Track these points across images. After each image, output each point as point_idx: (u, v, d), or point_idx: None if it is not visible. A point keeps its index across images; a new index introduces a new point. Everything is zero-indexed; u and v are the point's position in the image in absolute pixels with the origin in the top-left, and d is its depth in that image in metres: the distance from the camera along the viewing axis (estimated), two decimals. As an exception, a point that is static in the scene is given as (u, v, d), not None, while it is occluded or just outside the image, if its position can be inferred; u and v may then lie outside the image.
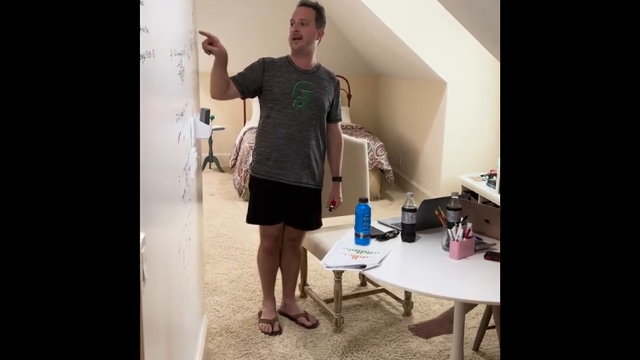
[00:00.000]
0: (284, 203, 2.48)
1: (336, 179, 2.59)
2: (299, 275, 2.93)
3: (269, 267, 2.62)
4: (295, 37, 2.37)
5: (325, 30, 2.46)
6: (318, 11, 2.41)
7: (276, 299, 2.82)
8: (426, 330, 2.49)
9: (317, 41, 2.43)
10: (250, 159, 2.75)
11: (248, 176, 3.50)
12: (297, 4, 2.44)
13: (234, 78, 2.41)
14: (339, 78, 6.14)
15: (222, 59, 2.32)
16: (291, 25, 2.40)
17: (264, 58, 2.45)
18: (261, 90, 2.42)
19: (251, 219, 2.53)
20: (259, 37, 5.89)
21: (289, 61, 2.44)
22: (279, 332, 2.56)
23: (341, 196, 2.60)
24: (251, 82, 2.41)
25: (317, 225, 2.60)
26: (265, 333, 2.55)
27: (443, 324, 2.43)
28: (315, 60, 2.47)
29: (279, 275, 2.73)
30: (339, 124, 2.60)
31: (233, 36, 5.64)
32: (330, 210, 2.61)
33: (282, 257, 2.67)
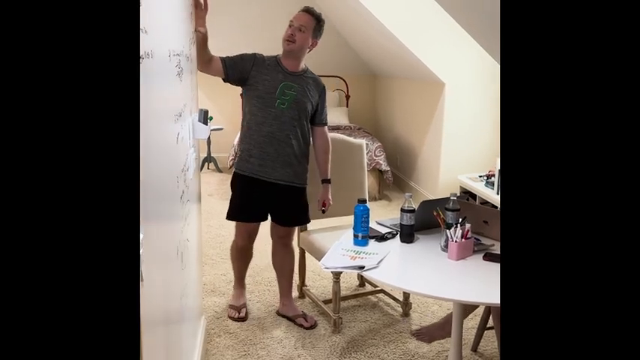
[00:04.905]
0: (266, 201, 2.54)
1: (325, 181, 2.63)
2: (298, 276, 2.93)
3: (240, 260, 2.73)
4: (289, 40, 2.41)
5: (324, 30, 2.50)
6: (319, 23, 2.46)
7: (274, 300, 2.84)
8: (428, 334, 2.50)
9: (308, 49, 2.48)
10: None
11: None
12: (301, 8, 2.47)
13: (223, 59, 2.43)
14: (337, 78, 6.13)
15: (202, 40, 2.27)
16: (289, 27, 2.43)
17: (255, 54, 2.49)
18: (245, 82, 2.46)
19: (231, 215, 2.58)
20: (260, 37, 5.88)
21: (278, 62, 2.48)
22: (245, 318, 2.66)
23: (330, 198, 2.63)
24: (238, 72, 2.44)
25: (304, 221, 2.65)
26: (231, 318, 2.66)
27: (444, 327, 2.43)
28: (303, 64, 2.52)
29: (274, 275, 2.77)
30: (326, 127, 2.63)
31: (234, 35, 5.64)
32: (323, 212, 2.64)
33: (273, 257, 2.73)
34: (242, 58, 2.46)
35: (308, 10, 2.45)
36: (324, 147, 2.60)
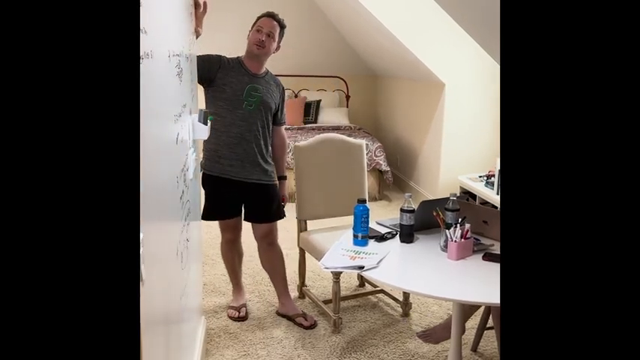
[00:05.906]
0: (239, 198, 2.60)
1: (282, 178, 2.73)
2: (298, 276, 2.93)
3: (231, 256, 2.76)
4: (259, 45, 2.47)
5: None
6: (282, 29, 2.55)
7: (274, 300, 2.85)
8: (434, 335, 2.49)
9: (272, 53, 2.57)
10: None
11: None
12: (265, 13, 2.52)
13: None
14: (337, 78, 6.13)
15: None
16: (258, 31, 2.48)
17: (221, 56, 2.53)
18: (211, 84, 2.48)
19: (207, 216, 2.61)
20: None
21: (241, 63, 2.53)
22: (245, 318, 2.69)
23: (286, 193, 2.75)
24: (205, 71, 2.44)
25: (278, 215, 2.67)
26: (231, 318, 2.69)
27: (448, 328, 2.43)
28: (264, 67, 2.58)
29: (265, 275, 2.80)
30: (283, 127, 2.72)
31: (234, 33, 5.63)
32: (283, 206, 2.71)
33: (261, 259, 2.76)
34: (209, 59, 2.48)
35: (274, 17, 2.51)
36: (282, 146, 2.71)
